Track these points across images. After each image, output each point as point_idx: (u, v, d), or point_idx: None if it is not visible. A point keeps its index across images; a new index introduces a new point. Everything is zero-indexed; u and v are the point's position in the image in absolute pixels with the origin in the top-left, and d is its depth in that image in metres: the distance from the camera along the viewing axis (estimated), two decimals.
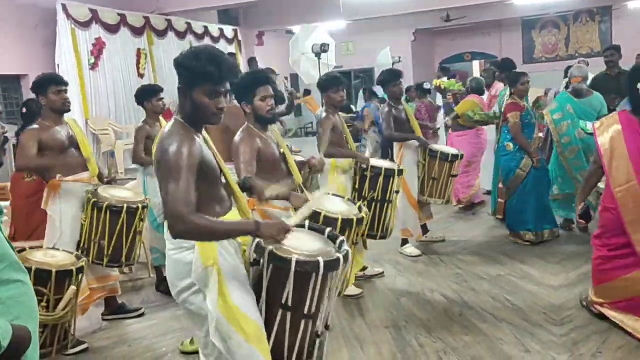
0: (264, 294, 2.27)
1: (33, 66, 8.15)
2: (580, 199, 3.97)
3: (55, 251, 3.35)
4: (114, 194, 3.86)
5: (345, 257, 2.27)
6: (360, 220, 3.30)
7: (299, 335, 2.28)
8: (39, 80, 3.85)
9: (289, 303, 2.23)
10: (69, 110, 3.93)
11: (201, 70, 2.20)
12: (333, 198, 3.63)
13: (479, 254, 5.39)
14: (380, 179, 4.38)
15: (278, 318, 2.26)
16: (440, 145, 5.59)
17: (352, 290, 4.37)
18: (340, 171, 4.50)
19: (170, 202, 2.09)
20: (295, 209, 3.13)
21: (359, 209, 3.48)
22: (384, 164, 4.63)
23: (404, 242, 5.52)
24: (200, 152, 2.22)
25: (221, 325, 2.25)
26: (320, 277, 2.20)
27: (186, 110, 2.30)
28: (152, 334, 4.01)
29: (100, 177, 4.05)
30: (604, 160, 3.52)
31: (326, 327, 2.42)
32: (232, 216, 2.41)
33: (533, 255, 5.18)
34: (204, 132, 2.40)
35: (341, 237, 2.46)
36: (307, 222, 2.59)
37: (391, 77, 5.33)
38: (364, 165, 4.47)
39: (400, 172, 4.49)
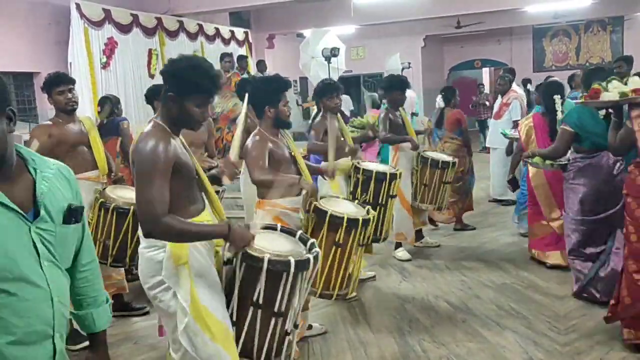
0: (236, 292, 2.36)
1: (45, 64, 8.21)
2: (510, 172, 5.71)
3: None
4: (121, 194, 3.86)
5: (316, 258, 2.38)
6: (366, 221, 3.32)
7: (269, 333, 2.38)
8: (45, 82, 3.90)
9: (260, 301, 2.33)
10: (74, 110, 3.93)
11: (197, 83, 2.30)
12: (343, 201, 3.65)
13: (485, 261, 5.40)
14: (372, 182, 4.39)
15: (249, 316, 2.36)
16: (434, 152, 5.61)
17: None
18: (339, 172, 4.52)
19: (144, 202, 2.16)
20: (308, 196, 3.30)
21: (367, 211, 3.51)
22: (378, 167, 4.63)
23: (397, 245, 5.55)
24: (175, 153, 2.29)
25: (187, 323, 2.32)
26: (291, 277, 2.30)
27: (171, 114, 2.36)
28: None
29: (114, 176, 4.08)
30: (524, 145, 5.27)
31: (295, 326, 2.51)
32: (205, 216, 2.46)
33: (539, 265, 5.17)
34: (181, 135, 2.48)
35: (312, 240, 2.57)
36: (279, 226, 2.72)
37: (399, 85, 5.41)
38: (356, 162, 4.48)
39: (394, 176, 4.46)
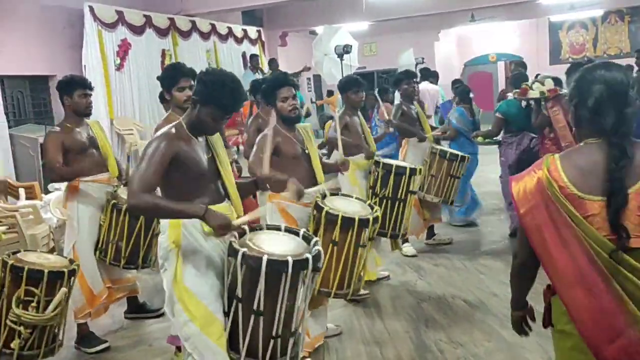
0: (226, 283, 2.46)
1: (60, 67, 8.26)
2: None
3: (49, 254, 3.32)
4: None
5: (316, 257, 2.39)
6: (364, 221, 3.28)
7: (250, 330, 2.38)
8: (68, 81, 3.86)
9: (261, 304, 2.35)
10: (90, 115, 3.95)
11: (218, 98, 2.44)
12: (353, 200, 3.61)
13: (502, 259, 5.31)
14: (391, 176, 4.36)
15: (233, 308, 2.41)
16: (443, 147, 5.67)
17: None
18: (356, 167, 4.50)
19: (132, 179, 2.41)
20: (292, 197, 3.18)
21: (370, 207, 3.48)
22: (398, 162, 4.61)
23: (404, 241, 5.49)
24: (179, 151, 2.44)
25: (172, 303, 2.51)
26: (289, 276, 2.31)
27: (191, 118, 2.54)
28: None
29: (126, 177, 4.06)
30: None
31: (291, 333, 2.48)
32: (220, 209, 2.52)
33: None
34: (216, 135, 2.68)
35: (315, 239, 2.58)
36: (283, 225, 2.75)
37: (405, 76, 5.50)
38: (377, 159, 4.47)
39: (414, 171, 4.43)
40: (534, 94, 4.85)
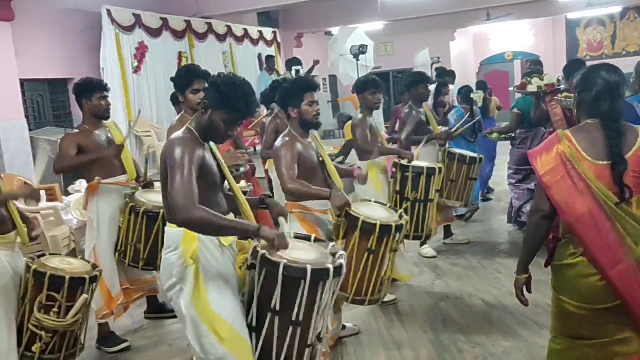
0: (256, 297, 2.33)
1: (79, 70, 8.37)
2: None
3: (73, 259, 3.32)
4: (151, 198, 3.85)
5: (337, 269, 2.31)
6: (399, 228, 3.26)
7: (287, 342, 2.33)
8: (87, 84, 3.86)
9: (277, 307, 2.29)
10: (109, 117, 3.96)
11: (232, 102, 2.36)
12: (375, 205, 3.60)
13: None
14: (423, 179, 4.35)
15: (267, 322, 2.32)
16: (459, 149, 5.58)
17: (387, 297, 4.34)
18: (378, 171, 4.49)
19: (175, 193, 2.20)
20: (336, 209, 3.21)
21: (400, 216, 3.44)
22: (424, 163, 4.59)
23: (422, 242, 5.49)
24: (201, 158, 2.36)
25: (196, 325, 2.36)
26: (307, 285, 2.24)
27: (202, 123, 2.44)
28: None
29: (143, 180, 4.09)
30: None
31: (319, 339, 2.44)
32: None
33: None
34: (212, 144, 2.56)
35: (341, 252, 2.51)
36: (313, 236, 2.69)
37: (421, 79, 5.36)
38: (404, 162, 4.44)
39: (440, 170, 4.46)
40: (532, 88, 4.97)
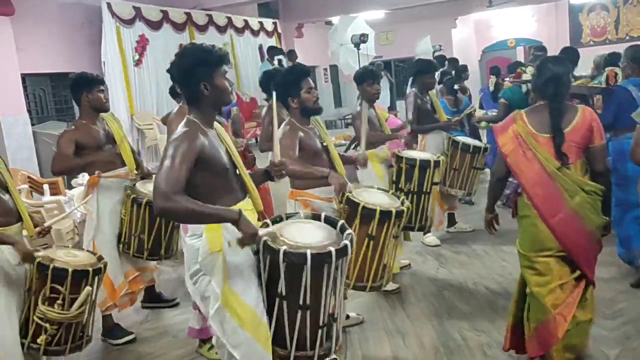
0: (263, 282, 2.37)
1: (80, 64, 8.34)
2: None
3: (78, 251, 3.30)
4: (151, 189, 3.85)
5: (340, 251, 2.30)
6: (399, 213, 3.25)
7: (297, 325, 2.35)
8: (85, 78, 3.84)
9: (284, 293, 2.31)
10: (108, 109, 3.95)
11: (215, 57, 2.38)
12: (376, 191, 3.60)
13: None
14: (416, 170, 4.31)
15: (276, 307, 2.35)
16: (464, 137, 5.57)
17: (389, 285, 4.34)
18: (379, 160, 4.48)
19: (159, 180, 2.19)
20: (335, 190, 3.23)
21: (402, 202, 3.44)
22: (420, 155, 4.55)
23: (426, 231, 5.45)
24: (201, 146, 2.33)
25: (220, 309, 2.36)
26: (309, 269, 2.25)
27: (205, 103, 2.43)
28: None
29: (141, 171, 4.08)
30: None
31: (333, 318, 2.46)
32: (245, 206, 2.47)
33: None
34: (217, 126, 2.54)
35: (349, 230, 2.48)
36: (323, 215, 2.65)
37: (429, 67, 5.33)
38: (398, 153, 4.42)
39: (438, 163, 4.39)
40: (526, 77, 5.11)
